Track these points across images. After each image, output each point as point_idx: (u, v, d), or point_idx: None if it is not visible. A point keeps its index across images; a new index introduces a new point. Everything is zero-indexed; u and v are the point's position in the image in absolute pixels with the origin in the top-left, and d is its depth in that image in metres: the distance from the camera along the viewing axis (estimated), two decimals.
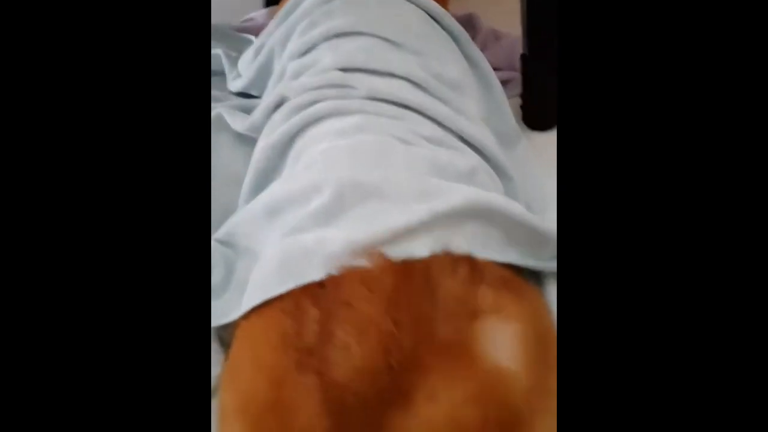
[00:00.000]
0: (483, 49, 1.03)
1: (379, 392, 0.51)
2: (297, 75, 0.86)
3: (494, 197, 0.68)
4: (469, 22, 1.25)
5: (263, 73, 0.99)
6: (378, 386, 0.51)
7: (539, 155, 0.98)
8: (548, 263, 0.74)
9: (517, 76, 1.10)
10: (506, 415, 0.52)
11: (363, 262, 0.58)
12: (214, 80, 1.09)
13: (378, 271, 0.57)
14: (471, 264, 0.61)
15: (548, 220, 0.74)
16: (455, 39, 0.95)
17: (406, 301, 0.55)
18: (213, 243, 0.76)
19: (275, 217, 0.70)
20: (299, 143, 0.77)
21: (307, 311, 0.58)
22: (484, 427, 0.51)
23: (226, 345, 0.67)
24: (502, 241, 0.68)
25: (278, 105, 0.84)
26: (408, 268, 0.58)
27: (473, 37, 1.01)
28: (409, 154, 0.68)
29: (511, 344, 0.56)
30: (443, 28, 0.95)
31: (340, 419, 0.52)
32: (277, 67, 0.94)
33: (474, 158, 0.75)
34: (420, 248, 0.60)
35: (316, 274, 0.59)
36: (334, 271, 0.58)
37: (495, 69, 1.01)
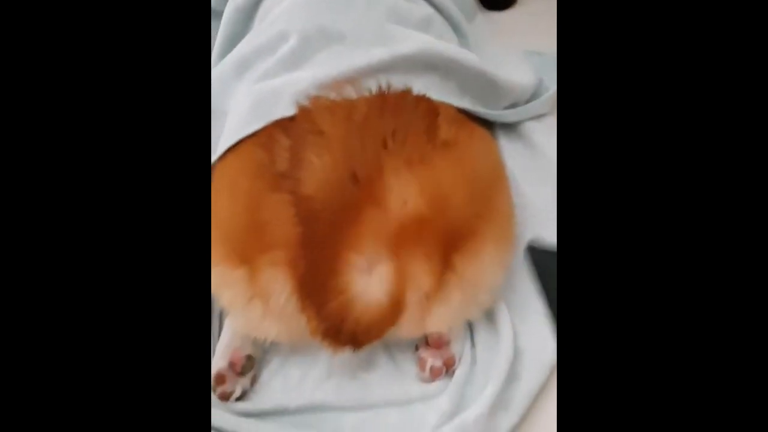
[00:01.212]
0: None
1: (343, 199, 0.57)
2: None
3: (450, 47, 0.73)
4: None
5: None
6: (342, 194, 0.57)
7: (497, 32, 1.03)
8: (501, 112, 0.81)
9: None
10: (455, 214, 0.58)
11: (330, 95, 0.63)
12: None
13: (343, 100, 0.62)
14: (428, 101, 0.67)
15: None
16: None
17: (369, 123, 0.60)
18: None
19: (245, 71, 0.74)
20: (265, 3, 0.80)
21: (279, 141, 0.63)
22: (431, 226, 0.58)
23: None
24: (457, 90, 0.74)
25: None
26: (371, 97, 0.63)
27: None
28: (369, 2, 0.72)
29: (461, 166, 0.62)
30: None
31: (310, 226, 0.58)
32: None
33: (431, 9, 0.79)
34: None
35: (286, 111, 0.64)
36: (303, 103, 0.63)
37: None
